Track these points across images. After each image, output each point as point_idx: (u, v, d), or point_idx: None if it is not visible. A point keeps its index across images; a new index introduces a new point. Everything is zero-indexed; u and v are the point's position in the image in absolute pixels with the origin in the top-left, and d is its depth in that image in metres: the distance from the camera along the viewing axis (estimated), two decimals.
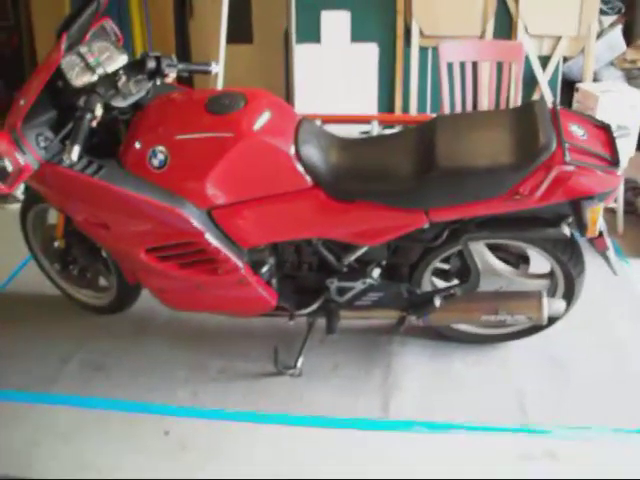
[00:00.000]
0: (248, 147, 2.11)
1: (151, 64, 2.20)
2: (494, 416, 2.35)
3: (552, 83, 4.10)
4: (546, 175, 2.03)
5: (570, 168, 2.03)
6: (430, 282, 2.52)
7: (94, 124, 2.03)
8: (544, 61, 4.06)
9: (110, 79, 2.10)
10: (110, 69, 2.12)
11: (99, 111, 2.01)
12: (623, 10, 4.71)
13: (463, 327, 2.63)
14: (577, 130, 2.16)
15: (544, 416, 2.35)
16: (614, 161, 2.09)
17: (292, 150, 2.15)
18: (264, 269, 2.35)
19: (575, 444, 2.24)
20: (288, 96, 4.15)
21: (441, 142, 2.16)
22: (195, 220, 2.14)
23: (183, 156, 2.12)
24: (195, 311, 2.62)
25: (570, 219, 2.19)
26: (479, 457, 2.20)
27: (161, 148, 2.10)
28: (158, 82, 2.28)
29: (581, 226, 2.12)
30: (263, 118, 2.16)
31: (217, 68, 2.45)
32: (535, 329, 2.56)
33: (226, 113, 2.14)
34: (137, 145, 2.13)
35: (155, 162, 2.11)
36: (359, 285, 2.39)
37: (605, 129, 2.26)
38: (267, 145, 2.13)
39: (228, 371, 2.58)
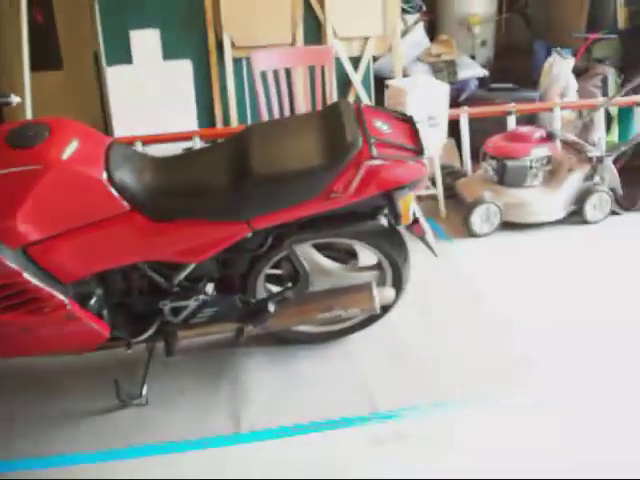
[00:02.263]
0: (57, 177, 2.03)
1: None
2: (344, 410, 2.40)
3: (365, 82, 4.27)
4: (356, 171, 2.12)
5: (378, 162, 2.14)
6: (265, 289, 2.54)
7: None
8: (355, 62, 4.23)
9: None
10: None
11: None
12: (424, 8, 5.01)
13: (303, 328, 2.67)
14: (381, 125, 2.27)
15: (391, 401, 2.44)
16: (419, 151, 2.21)
17: (104, 175, 2.09)
18: (92, 301, 2.26)
19: (423, 423, 2.33)
20: (106, 120, 4.03)
21: (253, 151, 2.19)
22: (9, 260, 2.03)
23: None
24: (24, 355, 2.47)
25: (385, 210, 2.29)
26: (332, 452, 2.24)
27: None
28: None
29: (396, 215, 2.24)
30: (70, 146, 2.09)
31: (17, 99, 2.34)
32: (372, 319, 2.65)
33: (30, 146, 2.05)
34: None
35: None
36: (192, 303, 2.36)
37: (408, 121, 2.38)
38: (77, 173, 2.06)
39: (71, 413, 2.46)
